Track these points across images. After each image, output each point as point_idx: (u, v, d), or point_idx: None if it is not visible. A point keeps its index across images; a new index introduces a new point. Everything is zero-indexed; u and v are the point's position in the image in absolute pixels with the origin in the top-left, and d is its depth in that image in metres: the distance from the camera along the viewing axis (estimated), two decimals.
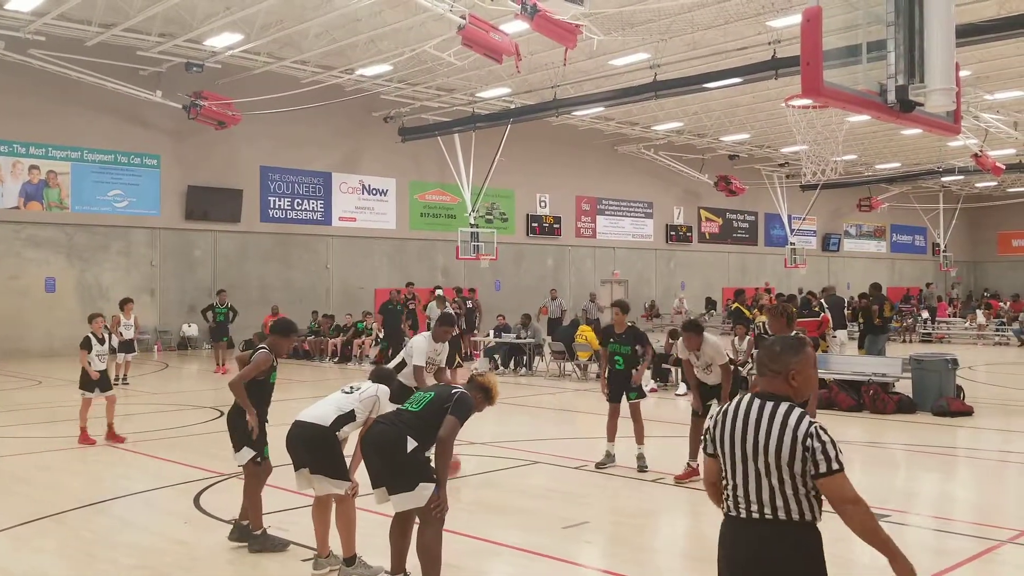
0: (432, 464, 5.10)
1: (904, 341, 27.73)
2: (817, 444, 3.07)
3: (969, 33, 15.27)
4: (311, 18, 19.70)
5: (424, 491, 4.99)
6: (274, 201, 26.10)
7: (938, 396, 12.77)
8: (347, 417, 5.70)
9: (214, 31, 20.41)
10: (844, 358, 14.91)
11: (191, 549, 6.38)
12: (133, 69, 22.19)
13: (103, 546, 6.46)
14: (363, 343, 21.45)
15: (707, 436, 3.33)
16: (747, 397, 3.26)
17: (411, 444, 5.04)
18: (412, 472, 5.02)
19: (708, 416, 2.75)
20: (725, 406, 3.35)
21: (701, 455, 3.58)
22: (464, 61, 21.26)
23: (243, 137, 24.31)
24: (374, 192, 28.26)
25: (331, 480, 5.64)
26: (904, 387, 13.39)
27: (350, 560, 5.69)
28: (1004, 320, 30.33)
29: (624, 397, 8.99)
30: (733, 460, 3.21)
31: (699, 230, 38.36)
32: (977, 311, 31.44)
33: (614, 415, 9.05)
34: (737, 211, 39.66)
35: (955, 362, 13.22)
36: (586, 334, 17.57)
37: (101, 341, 10.59)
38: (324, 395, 6.08)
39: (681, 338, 8.85)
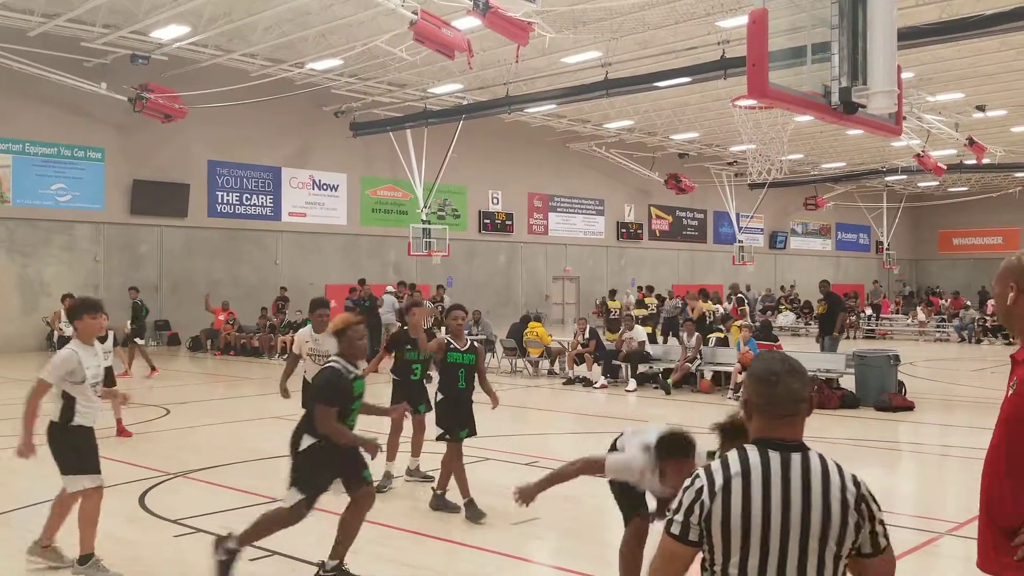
0: (314, 470, 5.24)
1: (848, 337, 28.30)
2: (872, 508, 2.34)
3: (911, 36, 15.64)
4: (260, 11, 19.45)
5: (290, 496, 5.20)
6: (222, 196, 25.72)
7: (880, 391, 13.07)
8: (64, 399, 5.42)
9: (160, 23, 20.04)
10: (790, 354, 15.15)
11: (136, 548, 6.27)
12: (77, 60, 21.67)
13: None
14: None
15: (694, 514, 2.33)
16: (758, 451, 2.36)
17: (305, 442, 5.22)
18: (292, 471, 5.28)
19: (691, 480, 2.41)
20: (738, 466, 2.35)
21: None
22: (416, 56, 21.16)
23: (190, 131, 23.91)
24: (325, 187, 28.01)
25: (62, 476, 5.49)
26: (848, 383, 13.68)
27: (84, 559, 5.55)
28: (945, 317, 31.12)
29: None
30: (764, 546, 2.29)
31: (650, 227, 38.71)
32: (918, 308, 32.21)
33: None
34: (687, 209, 40.10)
35: (897, 358, 13.53)
36: (536, 330, 17.64)
37: (102, 339, 10.40)
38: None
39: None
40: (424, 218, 27.74)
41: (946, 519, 7.11)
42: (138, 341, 17.75)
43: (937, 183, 42.99)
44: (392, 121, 26.79)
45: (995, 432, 2.80)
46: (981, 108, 27.87)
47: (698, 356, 15.15)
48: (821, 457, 2.35)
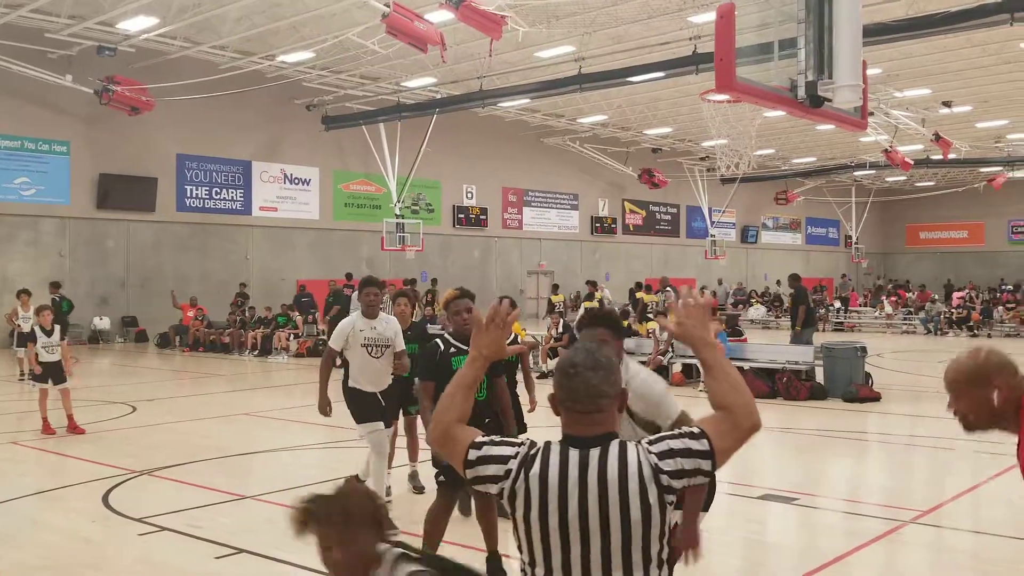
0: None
1: (818, 330, 28.60)
2: (671, 462, 2.20)
3: (879, 32, 15.79)
4: (230, 2, 19.24)
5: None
6: (191, 190, 25.45)
7: (848, 383, 13.23)
8: None
9: (127, 14, 19.76)
10: (759, 346, 15.30)
11: (99, 547, 6.20)
12: (41, 52, 21.29)
13: (9, 546, 6.22)
14: (287, 336, 21.14)
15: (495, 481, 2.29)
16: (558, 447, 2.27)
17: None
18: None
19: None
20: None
21: None
22: (389, 50, 21.05)
23: (159, 124, 23.62)
24: (296, 181, 27.81)
25: None
26: (817, 374, 13.83)
27: None
28: (911, 310, 31.55)
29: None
30: (566, 552, 2.20)
31: (623, 222, 38.83)
32: (885, 301, 32.64)
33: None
34: (660, 203, 40.27)
35: (864, 350, 13.71)
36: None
37: (48, 333, 10.49)
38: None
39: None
40: (398, 213, 27.63)
41: (911, 507, 7.20)
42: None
43: (905, 178, 43.48)
44: (365, 115, 26.64)
45: None
46: (947, 104, 28.20)
47: (670, 349, 15.24)
48: (621, 446, 2.22)
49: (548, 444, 2.28)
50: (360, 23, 19.24)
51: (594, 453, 2.21)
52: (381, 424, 6.77)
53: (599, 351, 2.31)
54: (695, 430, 2.23)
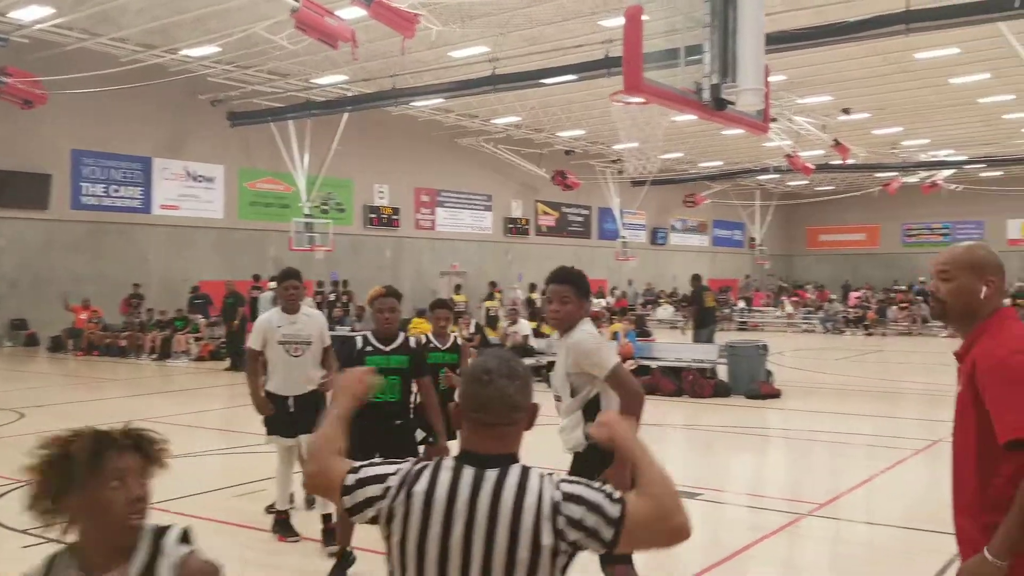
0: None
1: (722, 329, 29.34)
2: (579, 507, 1.93)
3: (783, 40, 16.28)
4: None
5: None
6: (87, 187, 24.44)
7: (750, 380, 13.60)
8: None
9: (20, 3, 18.85)
10: (666, 345, 15.59)
11: None
12: None
13: None
14: (188, 339, 20.55)
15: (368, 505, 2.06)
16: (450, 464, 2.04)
17: None
18: None
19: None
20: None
21: None
22: (298, 45, 20.62)
23: (53, 118, 22.60)
24: (200, 179, 27.01)
25: None
26: (721, 372, 14.17)
27: None
28: (811, 309, 32.68)
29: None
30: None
31: (536, 223, 39.06)
32: (786, 301, 33.75)
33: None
34: (572, 205, 40.65)
35: (765, 348, 14.12)
36: (420, 326, 17.52)
37: None
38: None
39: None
40: (307, 212, 27.13)
41: (810, 500, 7.42)
42: None
43: (806, 182, 44.94)
44: (273, 111, 26.05)
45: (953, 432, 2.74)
46: (846, 111, 29.27)
47: None
48: (523, 472, 1.96)
49: (441, 460, 2.04)
50: (268, 17, 18.80)
51: (491, 475, 1.96)
52: (287, 440, 6.26)
53: (514, 359, 2.09)
54: (615, 494, 1.95)
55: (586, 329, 4.15)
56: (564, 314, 4.21)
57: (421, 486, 1.99)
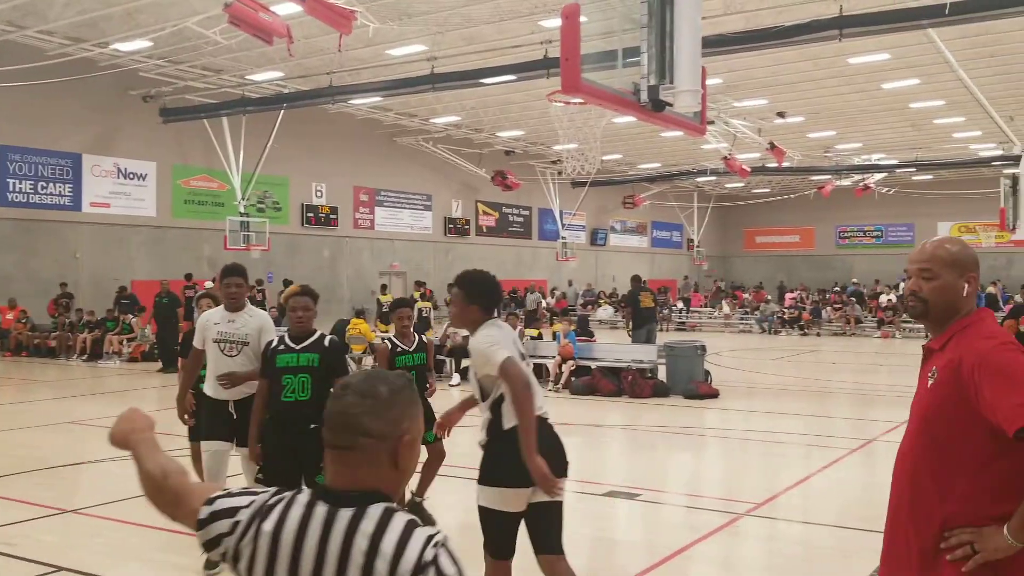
0: None
1: (661, 330, 29.65)
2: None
3: (718, 44, 16.49)
4: None
5: None
6: (13, 184, 23.59)
7: (689, 380, 13.72)
8: None
9: None
10: (606, 346, 15.66)
11: None
12: None
13: None
14: (121, 340, 19.99)
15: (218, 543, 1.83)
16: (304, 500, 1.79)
17: None
18: None
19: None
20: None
21: None
22: (232, 40, 20.19)
23: None
24: (131, 176, 26.30)
25: None
26: (661, 372, 14.28)
27: None
28: (748, 310, 33.22)
29: None
30: None
31: (476, 223, 38.99)
32: (723, 301, 34.25)
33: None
34: (513, 206, 40.67)
35: (704, 349, 14.27)
36: (359, 327, 17.34)
37: None
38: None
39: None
40: (242, 210, 26.61)
41: (747, 500, 7.49)
42: None
43: (742, 185, 45.71)
44: (207, 108, 25.49)
45: (910, 430, 2.64)
46: (781, 115, 29.82)
47: None
48: (385, 514, 1.70)
49: (298, 493, 1.79)
50: (201, 12, 18.38)
51: (344, 515, 1.71)
52: (222, 444, 5.83)
53: (389, 381, 1.80)
54: None
55: (484, 331, 4.21)
56: (453, 315, 4.49)
57: (269, 524, 1.76)
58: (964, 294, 2.58)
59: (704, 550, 6.19)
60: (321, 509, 1.73)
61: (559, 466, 4.05)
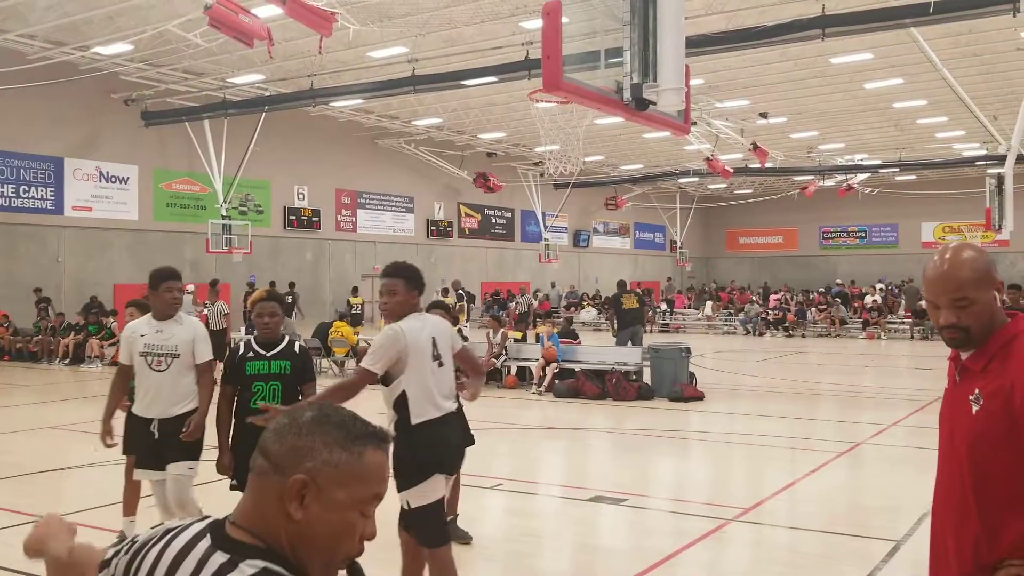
0: None
1: (646, 331, 29.64)
2: None
3: (700, 44, 16.47)
4: None
5: None
6: None
7: (673, 383, 13.66)
8: None
9: None
10: (590, 348, 15.58)
11: None
12: None
13: None
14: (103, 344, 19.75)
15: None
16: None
17: None
18: None
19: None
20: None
21: None
22: (213, 43, 20.03)
23: None
24: (113, 180, 26.05)
25: None
26: (645, 375, 14.22)
27: None
28: (732, 311, 33.25)
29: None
30: None
31: (459, 225, 38.88)
32: (707, 303, 34.27)
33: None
34: (495, 207, 40.60)
35: (688, 351, 14.20)
36: (342, 330, 17.21)
37: None
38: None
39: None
40: (224, 213, 26.42)
41: (734, 505, 7.42)
42: None
43: (725, 185, 45.83)
44: (188, 111, 25.30)
45: (952, 457, 2.40)
46: (764, 115, 29.89)
47: (504, 352, 15.25)
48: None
49: (212, 523, 1.51)
50: (182, 15, 18.21)
51: (214, 560, 1.41)
52: (153, 473, 5.36)
53: (333, 414, 1.48)
54: None
55: (407, 323, 4.35)
56: (392, 305, 4.45)
57: (156, 549, 1.52)
58: (998, 303, 2.39)
59: (691, 556, 6.12)
60: (203, 545, 1.44)
61: (447, 459, 4.34)
